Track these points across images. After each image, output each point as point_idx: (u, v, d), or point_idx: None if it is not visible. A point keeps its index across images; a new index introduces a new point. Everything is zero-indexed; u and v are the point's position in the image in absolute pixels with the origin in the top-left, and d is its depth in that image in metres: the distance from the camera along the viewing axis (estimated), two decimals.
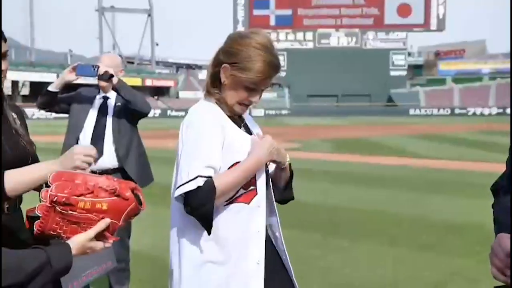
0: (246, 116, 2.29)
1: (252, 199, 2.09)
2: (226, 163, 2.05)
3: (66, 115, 4.36)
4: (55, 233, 1.59)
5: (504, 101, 68.30)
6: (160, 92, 76.10)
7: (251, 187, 2.10)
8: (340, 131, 32.10)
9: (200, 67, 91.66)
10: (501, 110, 64.76)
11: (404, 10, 79.94)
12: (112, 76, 3.96)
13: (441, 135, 25.99)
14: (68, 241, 1.57)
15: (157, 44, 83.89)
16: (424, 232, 6.80)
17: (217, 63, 2.12)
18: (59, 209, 1.55)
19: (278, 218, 2.29)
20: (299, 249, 5.96)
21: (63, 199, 1.55)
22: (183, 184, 1.96)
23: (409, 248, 6.08)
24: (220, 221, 2.05)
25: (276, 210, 2.28)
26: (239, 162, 2.06)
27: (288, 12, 79.48)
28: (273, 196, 2.24)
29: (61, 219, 1.57)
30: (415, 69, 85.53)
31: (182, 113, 63.46)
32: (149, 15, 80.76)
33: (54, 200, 1.55)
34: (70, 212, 1.56)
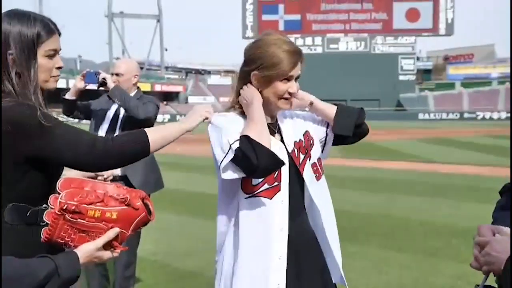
0: (285, 122, 2.35)
1: (275, 194, 2.13)
2: None
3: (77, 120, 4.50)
4: (62, 241, 1.57)
5: None
6: (169, 97, 76.39)
7: (275, 183, 2.14)
8: None
9: (209, 72, 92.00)
10: (509, 114, 64.34)
11: (412, 14, 79.79)
12: (104, 83, 4.08)
13: (450, 139, 25.91)
14: (76, 250, 1.55)
15: (166, 50, 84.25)
16: (431, 237, 6.81)
17: (243, 76, 2.24)
18: (68, 217, 1.53)
19: (315, 218, 2.32)
20: None
21: (73, 207, 1.53)
22: (222, 160, 2.06)
23: (415, 253, 6.09)
24: (243, 214, 2.13)
25: (316, 209, 2.29)
26: None
27: (297, 17, 79.58)
28: (311, 195, 2.25)
29: (69, 227, 1.55)
30: (424, 74, 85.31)
31: None
32: (158, 20, 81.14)
33: (64, 207, 1.52)
34: (79, 220, 1.54)
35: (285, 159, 2.16)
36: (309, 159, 2.26)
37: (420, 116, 66.40)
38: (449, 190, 10.59)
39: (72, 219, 1.53)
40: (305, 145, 2.28)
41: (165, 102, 73.88)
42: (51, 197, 1.57)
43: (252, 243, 2.12)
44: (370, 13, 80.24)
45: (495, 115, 65.00)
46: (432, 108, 71.99)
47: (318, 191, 2.27)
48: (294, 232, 2.17)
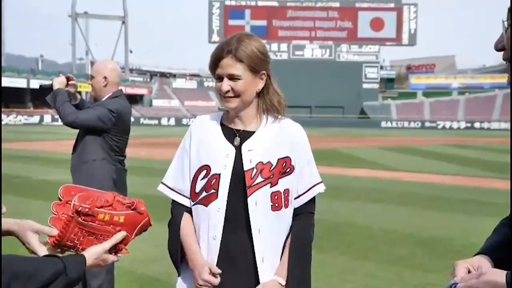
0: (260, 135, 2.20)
1: (210, 202, 2.09)
2: (193, 169, 2.16)
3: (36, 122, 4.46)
4: (71, 244, 1.60)
5: (472, 116, 69.61)
6: (133, 100, 75.55)
7: (212, 190, 2.09)
8: (314, 142, 31.96)
9: (174, 76, 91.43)
10: (469, 124, 65.95)
11: (377, 24, 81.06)
12: (46, 87, 4.12)
13: (412, 148, 26.30)
14: (84, 252, 1.60)
15: (131, 52, 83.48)
16: (395, 246, 6.84)
17: None
18: (81, 220, 1.58)
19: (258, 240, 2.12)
20: None
21: (86, 210, 1.58)
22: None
23: (380, 262, 6.10)
24: (192, 220, 2.20)
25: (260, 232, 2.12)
26: (206, 165, 2.12)
27: (263, 23, 79.84)
28: (251, 220, 2.11)
29: (79, 230, 1.59)
30: (387, 82, 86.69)
31: (155, 122, 63.23)
32: (123, 22, 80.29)
33: (79, 210, 1.57)
34: (90, 223, 1.59)
35: (229, 166, 2.11)
36: (271, 185, 2.10)
37: (383, 124, 67.42)
38: (413, 198, 10.71)
39: (84, 222, 1.59)
40: (273, 170, 2.11)
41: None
42: (54, 204, 1.62)
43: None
44: (335, 21, 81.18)
45: (455, 125, 66.48)
46: (395, 116, 73.17)
47: (267, 220, 2.11)
48: (231, 244, 2.11)
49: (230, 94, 2.10)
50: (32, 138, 30.71)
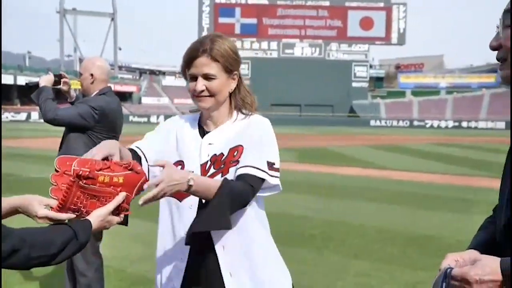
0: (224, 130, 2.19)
1: (183, 198, 2.10)
2: (172, 160, 2.13)
3: (17, 119, 4.46)
4: (75, 207, 1.66)
5: (459, 115, 70.08)
6: (122, 97, 75.17)
7: None
8: (304, 140, 32.30)
9: (163, 73, 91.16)
10: (457, 123, 66.39)
11: (366, 23, 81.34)
12: (33, 85, 4.14)
13: (402, 147, 26.42)
14: (88, 217, 1.67)
15: (120, 49, 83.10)
16: (387, 244, 6.87)
17: None
18: (82, 183, 1.63)
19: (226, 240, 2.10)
20: None
21: (87, 173, 1.63)
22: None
23: (371, 260, 6.12)
24: (163, 213, 2.21)
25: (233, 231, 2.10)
26: (181, 161, 2.15)
27: (253, 21, 79.84)
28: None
29: (82, 193, 1.64)
30: (376, 81, 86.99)
31: (145, 119, 62.96)
32: (112, 19, 79.90)
33: (79, 173, 1.62)
34: (91, 186, 1.65)
35: (197, 166, 2.13)
36: (222, 175, 2.09)
37: (372, 122, 67.66)
38: (403, 197, 10.75)
39: (86, 185, 1.64)
40: (224, 160, 2.11)
41: None
42: (52, 175, 1.67)
43: (162, 242, 2.22)
44: (325, 20, 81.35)
45: (443, 124, 66.87)
46: (384, 115, 73.46)
47: None
48: (195, 238, 2.09)
49: (205, 93, 2.11)
50: (21, 135, 30.48)
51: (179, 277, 2.13)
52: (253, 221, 2.16)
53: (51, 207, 1.66)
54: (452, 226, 7.94)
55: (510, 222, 1.41)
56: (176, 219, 2.16)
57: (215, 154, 2.13)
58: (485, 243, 1.53)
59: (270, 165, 2.12)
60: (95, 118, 4.06)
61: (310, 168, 16.22)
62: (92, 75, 4.17)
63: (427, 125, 66.53)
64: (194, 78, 2.11)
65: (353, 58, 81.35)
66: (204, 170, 2.12)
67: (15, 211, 1.71)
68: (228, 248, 2.09)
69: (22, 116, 58.42)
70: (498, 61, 1.46)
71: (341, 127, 57.80)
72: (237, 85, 2.20)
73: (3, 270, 1.50)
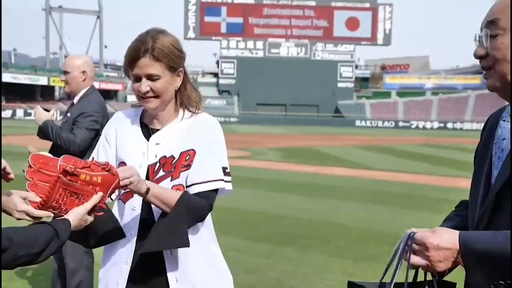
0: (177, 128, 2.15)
1: (127, 200, 2.07)
2: (114, 162, 2.11)
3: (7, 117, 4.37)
4: (56, 205, 1.68)
5: (445, 116, 70.60)
6: (108, 95, 74.68)
7: (127, 189, 1.98)
8: (289, 140, 32.35)
9: None
10: (442, 125, 66.84)
11: (352, 23, 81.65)
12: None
13: (386, 147, 26.55)
14: (67, 216, 1.70)
15: (105, 47, 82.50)
16: (372, 244, 6.90)
17: None
18: (66, 180, 1.66)
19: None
20: (247, 259, 5.94)
21: (72, 170, 1.67)
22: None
23: (357, 260, 6.14)
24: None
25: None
26: (123, 162, 2.10)
27: (239, 20, 79.78)
28: (154, 215, 2.10)
29: (63, 190, 1.67)
30: (361, 82, 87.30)
31: None
32: (98, 17, 79.36)
33: (66, 169, 1.65)
34: (73, 183, 1.68)
35: (145, 164, 2.08)
36: (172, 179, 2.06)
37: (357, 123, 67.91)
38: (388, 197, 10.81)
39: (69, 182, 1.67)
40: (175, 163, 2.07)
41: None
42: (27, 171, 1.71)
43: (108, 245, 2.17)
44: (311, 20, 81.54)
45: (428, 125, 67.30)
46: (369, 115, 73.77)
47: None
48: (143, 240, 2.05)
49: (150, 94, 2.05)
50: (4, 133, 30.16)
51: (123, 280, 2.08)
52: (198, 225, 2.13)
53: (29, 201, 1.67)
54: (438, 226, 7.98)
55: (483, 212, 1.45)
56: (121, 220, 2.11)
57: (165, 156, 2.08)
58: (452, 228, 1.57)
59: (224, 170, 2.12)
60: (100, 122, 4.07)
61: (295, 167, 16.24)
62: (84, 72, 4.14)
63: (412, 126, 66.91)
64: (138, 78, 2.06)
65: (339, 58, 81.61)
66: (152, 172, 2.07)
67: None
68: (174, 254, 2.06)
69: (7, 113, 57.82)
70: (483, 69, 1.48)
71: (326, 127, 57.95)
72: (182, 81, 2.14)
73: None
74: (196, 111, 2.18)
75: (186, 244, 1.97)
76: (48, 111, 4.18)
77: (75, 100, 4.21)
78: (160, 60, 2.03)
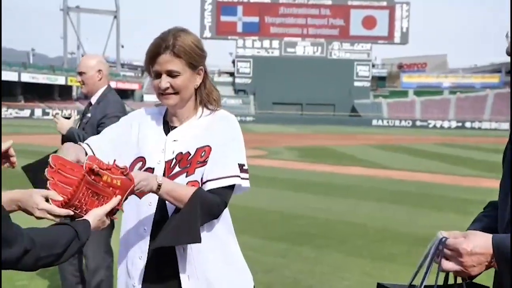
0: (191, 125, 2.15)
1: (143, 195, 2.01)
2: (131, 156, 2.14)
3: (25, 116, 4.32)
4: (78, 204, 1.69)
5: (463, 115, 69.96)
6: (124, 95, 75.14)
7: None
8: (305, 139, 32.28)
9: None
10: (460, 124, 66.23)
11: (369, 22, 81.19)
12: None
13: (403, 147, 26.37)
14: (86, 216, 1.71)
15: (122, 46, 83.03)
16: (389, 243, 6.84)
17: None
18: (90, 179, 1.67)
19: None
20: (264, 258, 5.92)
21: (97, 170, 1.68)
22: None
23: (374, 259, 6.09)
24: (125, 210, 2.09)
25: None
26: (142, 157, 2.11)
27: (255, 19, 79.75)
28: (168, 210, 2.10)
29: (86, 190, 1.69)
30: (378, 81, 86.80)
31: None
32: (115, 16, 79.86)
33: (92, 168, 1.67)
34: (96, 183, 1.70)
35: (163, 161, 2.08)
36: (187, 175, 2.05)
37: (374, 122, 67.55)
38: (405, 197, 10.72)
39: (93, 181, 1.69)
40: (190, 159, 2.07)
41: None
42: (48, 171, 1.70)
43: (123, 239, 2.17)
44: (327, 19, 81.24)
45: (446, 124, 66.74)
46: (386, 115, 73.35)
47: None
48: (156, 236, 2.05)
49: (170, 90, 2.06)
50: (21, 132, 30.47)
51: (139, 275, 2.08)
52: (214, 222, 2.11)
53: (52, 200, 1.67)
54: (456, 226, 7.84)
55: None
56: (135, 217, 2.11)
57: (181, 153, 2.09)
58: (482, 230, 1.53)
59: (241, 167, 2.10)
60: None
61: (311, 167, 16.19)
62: (100, 71, 4.16)
63: (430, 125, 66.40)
64: (158, 75, 2.07)
65: (355, 57, 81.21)
66: (168, 167, 2.07)
67: (16, 207, 1.69)
68: (187, 251, 2.05)
69: (26, 112, 58.48)
70: None
71: (342, 127, 57.73)
72: (202, 80, 2.15)
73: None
74: (215, 108, 2.18)
75: (198, 240, 1.96)
76: (69, 118, 4.15)
77: (93, 100, 4.20)
78: (180, 57, 2.03)
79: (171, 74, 2.04)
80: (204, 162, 2.06)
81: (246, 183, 2.11)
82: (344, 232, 7.48)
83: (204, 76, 2.15)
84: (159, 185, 1.93)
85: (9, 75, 60.00)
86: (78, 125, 4.18)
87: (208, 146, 2.08)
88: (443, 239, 1.44)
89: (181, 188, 2.01)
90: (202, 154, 2.07)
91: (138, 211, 2.11)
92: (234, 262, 2.18)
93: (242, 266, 2.21)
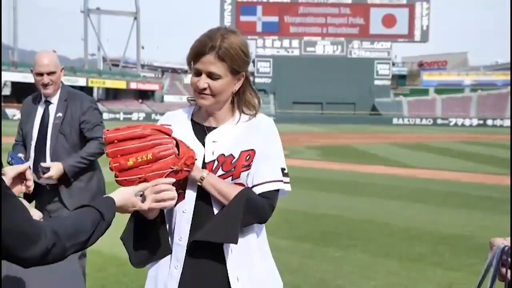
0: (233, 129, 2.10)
1: (178, 202, 1.98)
2: None
3: None
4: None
5: (484, 113, 69.13)
6: (145, 95, 75.72)
7: (180, 191, 1.99)
8: (326, 138, 32.17)
9: (185, 72, 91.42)
10: (481, 122, 65.48)
11: (389, 20, 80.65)
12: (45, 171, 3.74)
13: (425, 145, 26.15)
14: (112, 194, 1.75)
15: (142, 47, 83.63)
16: (416, 243, 6.77)
17: None
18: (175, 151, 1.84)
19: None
20: (289, 258, 5.90)
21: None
22: None
23: (401, 259, 6.03)
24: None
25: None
26: None
27: (275, 19, 79.70)
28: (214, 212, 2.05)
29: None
30: (399, 79, 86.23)
31: None
32: (135, 18, 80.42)
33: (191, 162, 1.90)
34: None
35: (199, 163, 2.01)
36: (233, 178, 2.02)
37: (395, 121, 67.09)
38: (429, 195, 10.62)
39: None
40: (235, 163, 2.03)
41: (140, 100, 73.19)
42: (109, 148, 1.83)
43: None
44: (347, 18, 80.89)
45: (467, 122, 66.05)
46: (406, 113, 72.79)
47: None
48: (197, 244, 1.99)
49: (207, 92, 2.01)
50: None
51: (174, 284, 2.02)
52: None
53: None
54: (482, 225, 7.80)
55: None
56: (170, 223, 2.06)
57: (223, 155, 2.03)
58: None
59: (283, 172, 2.09)
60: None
61: (333, 166, 16.13)
62: (63, 69, 4.03)
63: (451, 123, 65.76)
64: (198, 73, 2.02)
65: (375, 55, 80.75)
66: (210, 169, 2.02)
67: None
68: (235, 251, 2.02)
69: None
70: None
71: (363, 125, 57.42)
72: (242, 85, 2.08)
73: None
74: (254, 112, 2.13)
75: (234, 241, 1.93)
76: (48, 168, 3.76)
77: (54, 99, 3.99)
78: (224, 61, 1.98)
79: (211, 76, 1.99)
80: (248, 166, 2.03)
81: (288, 187, 2.11)
82: (370, 231, 7.43)
83: (244, 82, 2.09)
84: (203, 177, 1.94)
85: (30, 77, 60.65)
86: (51, 128, 3.93)
87: (253, 150, 2.04)
88: (506, 248, 1.38)
89: (227, 184, 1.99)
90: (247, 158, 2.03)
91: (171, 220, 2.06)
92: (268, 261, 2.16)
93: (274, 265, 2.20)
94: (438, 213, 8.79)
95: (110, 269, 5.43)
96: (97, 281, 5.05)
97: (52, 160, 3.87)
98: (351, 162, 17.24)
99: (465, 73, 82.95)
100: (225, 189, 1.98)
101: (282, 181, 2.07)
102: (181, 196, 2.00)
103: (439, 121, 66.68)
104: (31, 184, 1.87)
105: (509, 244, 1.38)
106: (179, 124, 2.13)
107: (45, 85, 3.90)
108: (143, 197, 1.81)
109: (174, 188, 1.85)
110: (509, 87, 74.06)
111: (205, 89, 2.01)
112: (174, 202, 1.85)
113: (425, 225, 7.78)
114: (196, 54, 2.00)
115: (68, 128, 3.89)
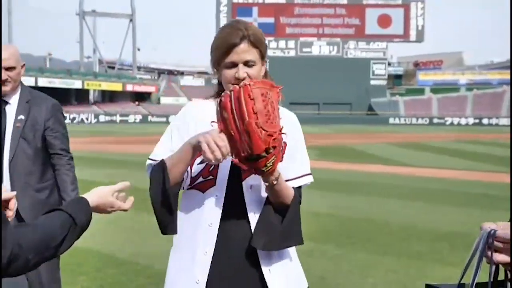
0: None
1: (207, 188, 2.00)
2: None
3: None
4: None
5: (480, 112, 69.29)
6: (141, 97, 75.63)
7: (210, 177, 2.01)
8: (323, 138, 32.17)
9: (182, 73, 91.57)
10: (477, 120, 65.62)
11: (384, 21, 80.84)
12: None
13: (422, 144, 26.21)
14: (86, 195, 1.63)
15: (138, 49, 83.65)
16: (414, 241, 6.78)
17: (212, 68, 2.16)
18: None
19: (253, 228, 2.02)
20: None
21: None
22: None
23: (399, 257, 6.04)
24: (181, 206, 2.06)
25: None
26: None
27: (271, 20, 79.76)
28: (246, 204, 2.04)
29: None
30: (394, 79, 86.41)
31: (163, 119, 63.28)
32: (131, 20, 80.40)
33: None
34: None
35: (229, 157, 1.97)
36: None
37: (391, 120, 67.19)
38: (427, 194, 10.63)
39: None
40: None
41: (136, 103, 73.10)
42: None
43: (182, 236, 2.07)
44: (343, 18, 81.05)
45: (463, 121, 66.16)
46: (403, 113, 72.92)
47: (262, 204, 2.04)
48: (228, 230, 2.00)
49: (246, 81, 1.98)
50: None
51: (202, 270, 1.99)
52: None
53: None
54: (480, 222, 7.75)
55: None
56: (192, 239, 2.04)
57: None
58: None
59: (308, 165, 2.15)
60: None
61: (331, 165, 16.13)
62: (24, 65, 3.49)
63: (447, 123, 65.89)
64: (232, 65, 2.02)
65: (371, 56, 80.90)
66: None
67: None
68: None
69: None
70: None
71: (359, 125, 57.49)
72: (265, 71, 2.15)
73: None
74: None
75: (302, 242, 2.02)
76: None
77: (13, 99, 3.45)
78: (257, 47, 2.03)
79: (247, 63, 2.02)
80: (282, 159, 2.00)
81: (311, 179, 2.18)
82: (368, 230, 7.44)
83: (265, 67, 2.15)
84: (279, 173, 1.93)
85: (26, 80, 60.05)
86: (12, 131, 3.41)
87: (285, 142, 2.01)
88: (492, 231, 1.37)
89: (286, 184, 2.02)
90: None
91: (196, 233, 2.03)
92: (296, 259, 2.21)
93: (300, 265, 2.24)
94: (436, 212, 8.80)
95: (109, 269, 5.42)
96: (95, 281, 5.04)
97: (10, 164, 3.38)
98: (349, 162, 17.25)
99: (460, 73, 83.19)
100: (288, 190, 2.02)
101: (310, 174, 2.15)
102: (211, 182, 2.01)
103: (435, 120, 66.81)
104: (11, 215, 1.66)
105: (497, 229, 1.37)
106: (207, 112, 2.07)
107: (2, 83, 3.36)
108: (123, 198, 1.77)
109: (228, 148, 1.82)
110: (504, 86, 74.29)
111: (244, 78, 2.01)
112: (220, 158, 1.80)
113: (424, 223, 7.80)
114: (229, 46, 2.01)
115: (31, 133, 3.43)
